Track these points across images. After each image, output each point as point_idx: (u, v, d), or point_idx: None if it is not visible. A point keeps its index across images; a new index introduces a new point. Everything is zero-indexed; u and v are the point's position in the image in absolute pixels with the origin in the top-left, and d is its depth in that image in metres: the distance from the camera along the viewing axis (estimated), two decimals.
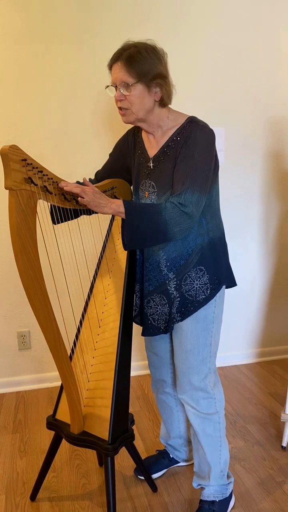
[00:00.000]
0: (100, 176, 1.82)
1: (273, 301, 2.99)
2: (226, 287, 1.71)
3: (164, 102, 1.57)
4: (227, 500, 1.75)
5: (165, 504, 1.82)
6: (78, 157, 2.52)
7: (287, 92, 2.71)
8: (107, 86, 1.56)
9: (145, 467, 1.87)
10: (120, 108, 1.56)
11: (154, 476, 1.95)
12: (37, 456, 2.12)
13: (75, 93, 2.46)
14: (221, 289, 1.67)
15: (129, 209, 1.46)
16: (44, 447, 2.18)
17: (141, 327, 1.77)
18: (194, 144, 1.51)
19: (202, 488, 1.77)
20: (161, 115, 1.59)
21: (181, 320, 1.64)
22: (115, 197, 1.71)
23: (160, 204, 1.48)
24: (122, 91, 1.51)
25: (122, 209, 1.46)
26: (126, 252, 1.70)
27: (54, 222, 1.63)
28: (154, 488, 1.89)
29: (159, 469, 1.98)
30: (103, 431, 1.61)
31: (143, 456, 2.04)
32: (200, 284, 1.62)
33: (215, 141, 1.56)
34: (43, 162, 1.40)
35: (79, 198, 1.43)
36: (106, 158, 1.83)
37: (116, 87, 1.53)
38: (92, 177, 1.88)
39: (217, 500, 1.73)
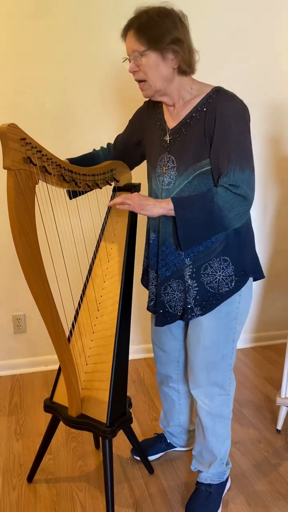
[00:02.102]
0: (118, 144, 1.74)
1: (268, 287, 3.00)
2: (254, 280, 1.57)
3: (183, 69, 1.42)
4: (223, 483, 1.76)
5: (161, 486, 1.84)
6: (78, 138, 2.48)
7: (286, 77, 2.68)
8: (124, 60, 1.46)
9: (142, 450, 1.88)
10: (138, 82, 1.45)
11: (151, 458, 1.96)
12: (33, 439, 2.13)
13: (76, 71, 2.41)
14: (248, 282, 1.53)
15: (178, 203, 1.37)
16: (40, 430, 2.18)
17: (147, 316, 1.71)
18: (228, 115, 1.37)
19: (200, 471, 1.77)
20: (182, 84, 1.45)
21: (202, 315, 1.52)
22: (115, 180, 1.69)
23: (211, 190, 1.38)
24: (134, 61, 1.40)
25: (171, 205, 1.38)
26: (124, 235, 1.68)
27: (70, 197, 1.59)
28: (150, 470, 1.90)
29: (155, 452, 1.98)
30: (101, 413, 1.61)
31: (139, 439, 2.05)
32: (223, 276, 1.49)
33: (248, 110, 1.42)
34: (42, 142, 1.37)
35: (123, 206, 1.43)
36: (108, 139, 1.77)
37: (130, 59, 1.42)
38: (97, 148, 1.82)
39: (214, 483, 1.74)
